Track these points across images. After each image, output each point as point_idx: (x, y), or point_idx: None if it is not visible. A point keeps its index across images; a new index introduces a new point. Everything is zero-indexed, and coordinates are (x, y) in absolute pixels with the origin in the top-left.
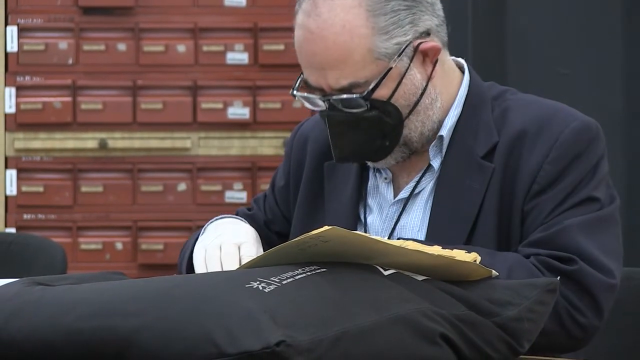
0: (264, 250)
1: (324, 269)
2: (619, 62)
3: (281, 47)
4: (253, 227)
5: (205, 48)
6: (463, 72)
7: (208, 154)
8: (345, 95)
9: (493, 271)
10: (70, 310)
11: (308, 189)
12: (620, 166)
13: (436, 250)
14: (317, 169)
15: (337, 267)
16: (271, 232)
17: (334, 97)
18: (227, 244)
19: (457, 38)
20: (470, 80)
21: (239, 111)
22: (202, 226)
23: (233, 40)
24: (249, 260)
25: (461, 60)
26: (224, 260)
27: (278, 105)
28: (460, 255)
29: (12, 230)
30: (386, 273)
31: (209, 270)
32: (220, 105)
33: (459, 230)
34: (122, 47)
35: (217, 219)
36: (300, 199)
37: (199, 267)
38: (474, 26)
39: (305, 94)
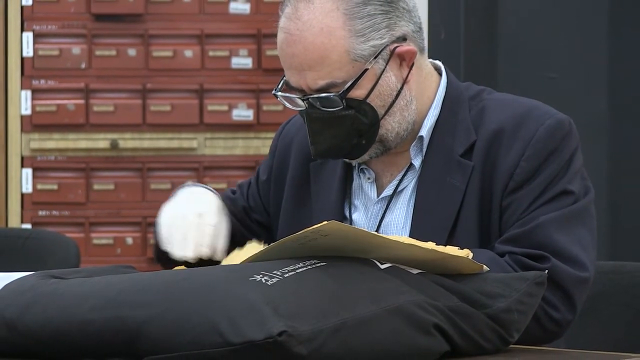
0: (225, 222)
1: (324, 263)
2: (604, 67)
3: None
4: (233, 210)
5: (211, 53)
6: (440, 74)
7: (214, 154)
8: (324, 94)
9: (484, 266)
10: (83, 302)
11: (293, 190)
12: (604, 166)
13: (430, 245)
14: (303, 170)
15: (336, 261)
16: (250, 219)
17: (313, 96)
18: (190, 214)
19: (450, 42)
20: (447, 82)
21: (243, 113)
22: None
23: (238, 46)
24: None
25: (438, 63)
26: (188, 229)
27: (280, 108)
28: (453, 250)
29: (28, 226)
30: (383, 266)
31: (173, 237)
32: (225, 108)
33: (441, 226)
34: (132, 52)
35: (187, 187)
36: (285, 199)
37: (165, 234)
38: (466, 31)
39: (287, 94)
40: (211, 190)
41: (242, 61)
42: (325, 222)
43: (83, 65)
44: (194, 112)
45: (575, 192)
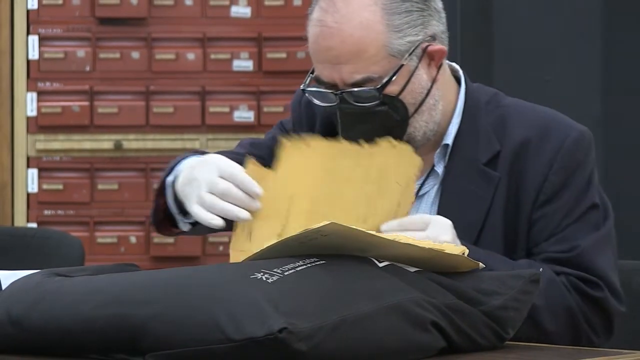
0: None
1: (323, 261)
2: (598, 70)
3: (284, 55)
4: (258, 153)
5: (213, 56)
6: (458, 79)
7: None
8: (358, 89)
9: (479, 263)
10: (88, 300)
11: None
12: (599, 167)
13: (427, 244)
14: None
15: (335, 259)
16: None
17: (347, 90)
18: (214, 184)
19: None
20: (466, 88)
21: (244, 115)
22: None
23: (239, 49)
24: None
25: (456, 66)
26: (227, 197)
27: (280, 110)
28: (449, 248)
29: (34, 225)
30: (381, 265)
31: (220, 214)
32: (227, 109)
33: (466, 234)
34: (135, 55)
35: (183, 162)
36: None
37: (206, 218)
38: (463, 34)
39: (317, 89)
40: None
41: (243, 64)
42: (325, 223)
43: (87, 68)
44: (196, 113)
45: (599, 204)
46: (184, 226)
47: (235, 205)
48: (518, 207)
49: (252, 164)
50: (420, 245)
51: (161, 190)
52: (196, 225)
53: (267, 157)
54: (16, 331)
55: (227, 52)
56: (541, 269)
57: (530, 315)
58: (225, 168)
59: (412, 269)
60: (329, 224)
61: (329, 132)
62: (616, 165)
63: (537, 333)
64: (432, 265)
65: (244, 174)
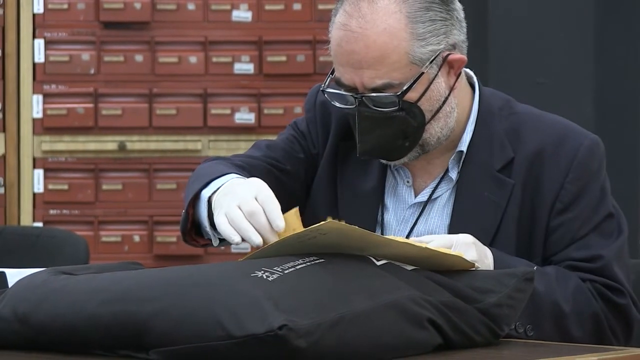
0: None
1: (323, 260)
2: (590, 73)
3: (283, 58)
4: (274, 155)
5: (214, 59)
6: (472, 85)
7: (217, 155)
8: (378, 94)
9: (475, 264)
10: (92, 297)
11: (327, 164)
12: None
13: (424, 243)
14: (335, 147)
15: (334, 258)
16: (294, 186)
17: (367, 95)
18: (246, 202)
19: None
20: (480, 94)
21: (245, 116)
22: None
23: (240, 52)
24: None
25: (471, 73)
26: (251, 218)
27: (281, 112)
28: (445, 249)
29: (40, 224)
30: (379, 263)
31: (238, 231)
32: (228, 111)
33: (480, 240)
34: (139, 58)
35: (225, 178)
36: (317, 178)
37: (227, 231)
38: None
39: (336, 91)
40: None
41: (244, 67)
42: (324, 222)
43: (92, 71)
44: (198, 115)
45: (613, 213)
46: (215, 240)
47: (255, 229)
48: (533, 215)
49: (295, 212)
50: (417, 245)
51: (193, 200)
52: (224, 240)
53: (282, 158)
54: (22, 328)
55: (228, 55)
56: (571, 276)
57: (557, 321)
58: (262, 191)
59: (409, 268)
60: (327, 222)
61: (344, 133)
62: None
63: (563, 339)
64: (428, 264)
65: (275, 205)
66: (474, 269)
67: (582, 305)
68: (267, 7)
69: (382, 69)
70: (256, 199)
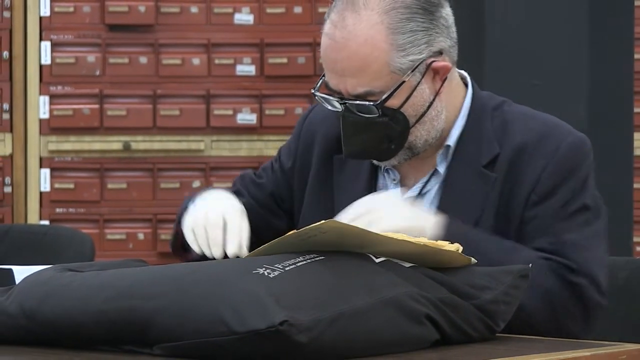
0: (247, 222)
1: (323, 257)
2: (584, 75)
3: (284, 60)
4: (259, 197)
5: (217, 61)
6: (466, 84)
7: (219, 155)
8: (360, 102)
9: (472, 259)
10: (98, 294)
11: (317, 181)
12: None
13: (422, 240)
14: (326, 162)
15: (334, 255)
16: (277, 204)
17: (350, 102)
18: (213, 214)
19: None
20: (472, 93)
21: (247, 117)
22: None
23: (242, 54)
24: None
25: (464, 73)
26: (209, 229)
27: (282, 112)
28: (444, 244)
29: (46, 222)
30: (377, 260)
31: (196, 236)
32: (230, 112)
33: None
34: (143, 60)
35: (208, 191)
36: (309, 189)
37: (190, 234)
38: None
39: (325, 95)
40: (231, 194)
41: (246, 69)
42: (324, 221)
43: (97, 73)
44: (201, 116)
45: (592, 207)
46: (195, 254)
47: (209, 240)
48: (510, 206)
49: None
50: (415, 242)
51: (181, 217)
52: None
53: (262, 195)
54: (29, 323)
55: (230, 57)
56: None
57: None
58: (229, 212)
59: (407, 265)
60: (327, 221)
61: (337, 147)
62: (598, 162)
63: None
64: (426, 261)
65: (237, 228)
66: (471, 264)
67: (533, 277)
68: (269, 10)
69: (363, 77)
70: (224, 217)
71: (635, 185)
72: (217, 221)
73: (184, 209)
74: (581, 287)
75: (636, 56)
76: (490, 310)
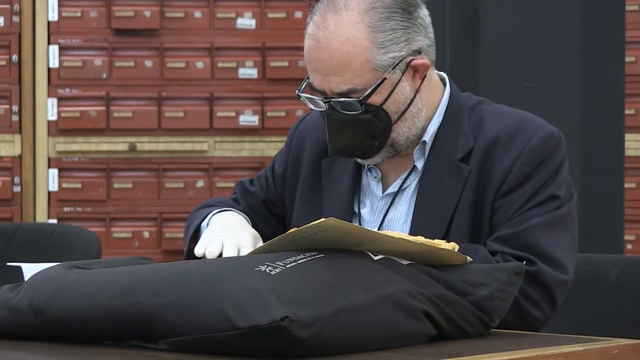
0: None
1: (323, 255)
2: (577, 78)
3: (286, 63)
4: (253, 204)
5: (220, 64)
6: (445, 85)
7: (222, 156)
8: (343, 99)
9: (468, 257)
10: (104, 290)
11: (307, 185)
12: (576, 169)
13: (419, 239)
14: (316, 166)
15: (334, 253)
16: (269, 212)
17: (334, 99)
18: (229, 243)
19: (436, 54)
20: (450, 93)
21: (249, 119)
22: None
23: (244, 58)
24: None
25: (443, 74)
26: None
27: (283, 114)
28: (440, 243)
29: (54, 221)
30: (376, 258)
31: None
32: (233, 114)
33: (438, 223)
34: (148, 63)
35: (222, 212)
36: (299, 193)
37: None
38: (451, 44)
39: (309, 95)
40: (241, 214)
41: (248, 72)
42: (324, 219)
43: (104, 76)
44: (204, 117)
45: (561, 197)
46: None
47: None
48: (483, 198)
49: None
50: (413, 240)
51: (194, 234)
52: None
53: (260, 202)
54: (38, 319)
55: (233, 60)
56: (483, 251)
57: None
58: (238, 242)
59: (405, 262)
60: (327, 220)
61: (316, 156)
62: (591, 163)
63: None
64: (423, 259)
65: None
66: (467, 262)
67: None
68: (270, 15)
69: (346, 75)
70: (239, 250)
71: (626, 185)
72: (233, 251)
73: (194, 225)
74: (536, 273)
75: (627, 59)
76: (486, 306)
